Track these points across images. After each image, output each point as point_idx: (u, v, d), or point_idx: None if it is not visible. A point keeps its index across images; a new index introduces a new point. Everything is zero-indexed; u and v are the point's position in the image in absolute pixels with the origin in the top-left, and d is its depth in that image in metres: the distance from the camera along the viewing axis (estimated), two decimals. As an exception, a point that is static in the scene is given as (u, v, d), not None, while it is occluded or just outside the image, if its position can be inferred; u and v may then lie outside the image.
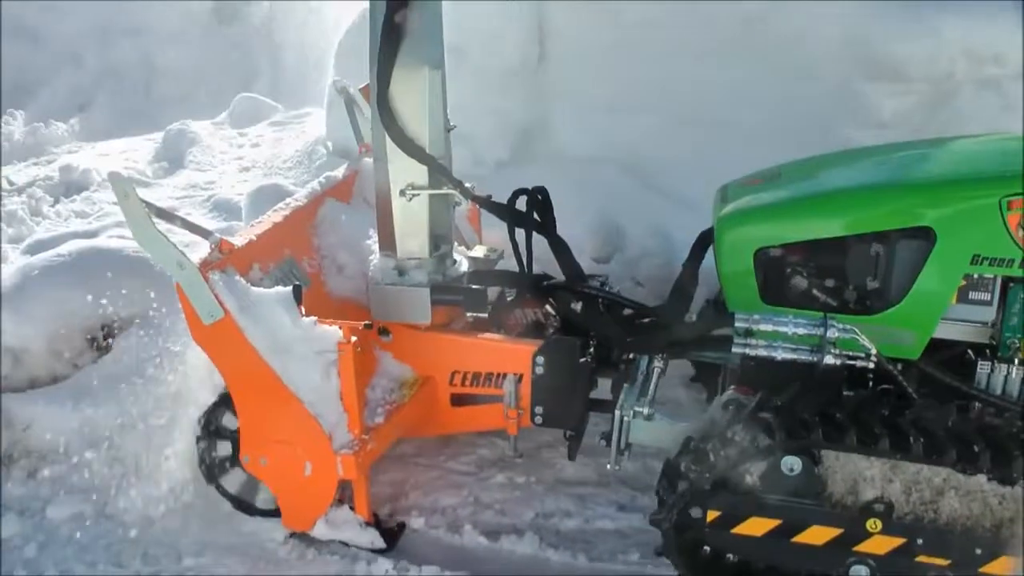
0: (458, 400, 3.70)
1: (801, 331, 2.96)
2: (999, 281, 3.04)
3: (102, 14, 10.60)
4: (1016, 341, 3.02)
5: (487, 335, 3.66)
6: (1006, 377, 3.04)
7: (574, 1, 6.82)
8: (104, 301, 4.14)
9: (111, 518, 3.61)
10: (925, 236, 3.01)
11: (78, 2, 10.50)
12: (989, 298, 3.06)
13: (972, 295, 3.06)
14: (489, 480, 3.86)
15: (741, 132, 5.84)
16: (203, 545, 3.47)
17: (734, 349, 3.04)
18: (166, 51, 10.35)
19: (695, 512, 2.94)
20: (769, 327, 3.00)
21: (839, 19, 5.99)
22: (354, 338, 3.12)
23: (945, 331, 3.13)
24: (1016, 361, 3.01)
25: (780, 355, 2.98)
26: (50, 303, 4.29)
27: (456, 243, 4.17)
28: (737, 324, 3.03)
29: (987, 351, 3.11)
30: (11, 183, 7.15)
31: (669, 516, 2.99)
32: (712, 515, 2.93)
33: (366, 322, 3.18)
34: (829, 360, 2.92)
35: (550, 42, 6.95)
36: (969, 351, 3.17)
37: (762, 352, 3.00)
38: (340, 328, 3.13)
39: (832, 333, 2.92)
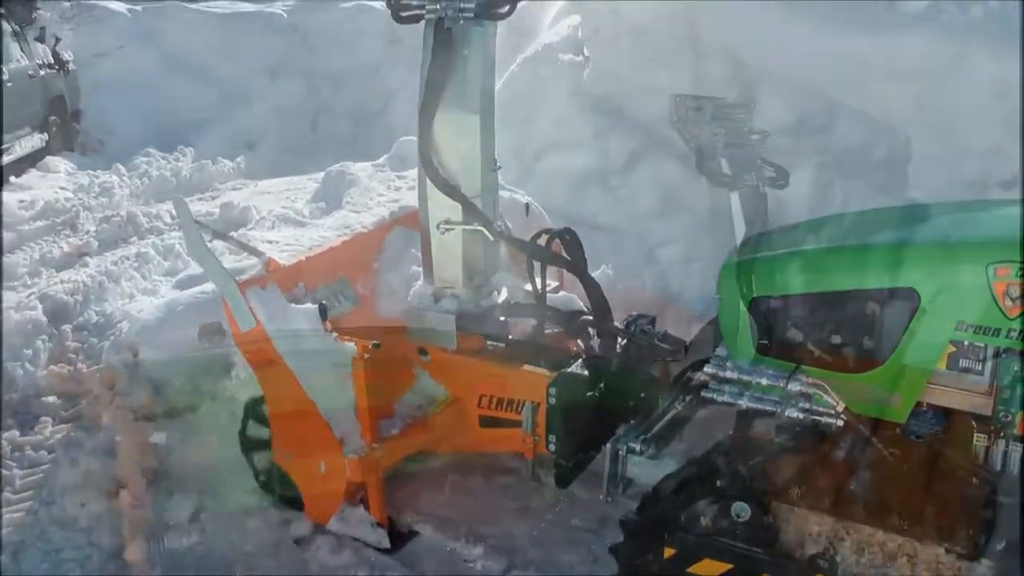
0: (488, 422, 3.94)
1: (764, 382, 2.99)
2: (991, 350, 2.93)
3: (272, 55, 11.19)
4: (1009, 415, 2.90)
5: (511, 363, 3.87)
6: (996, 449, 2.93)
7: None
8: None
9: (231, 550, 3.79)
10: (909, 298, 2.94)
11: (250, 44, 11.18)
12: (980, 367, 2.92)
13: (962, 362, 2.94)
14: (612, 539, 3.71)
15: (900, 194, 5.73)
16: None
17: (703, 394, 3.13)
18: (334, 93, 10.71)
19: (655, 544, 3.05)
20: (735, 375, 3.05)
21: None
22: (367, 355, 3.45)
23: (939, 398, 3.03)
24: (1004, 435, 2.90)
25: (745, 403, 3.03)
26: (190, 337, 4.40)
27: (514, 275, 4.44)
28: (706, 369, 3.11)
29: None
30: (173, 217, 7.37)
31: (628, 543, 3.13)
32: (669, 552, 3.02)
33: (375, 341, 3.50)
34: (791, 413, 2.94)
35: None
36: (973, 421, 3.08)
37: (728, 399, 3.06)
38: (355, 345, 3.47)
39: (795, 386, 2.93)
